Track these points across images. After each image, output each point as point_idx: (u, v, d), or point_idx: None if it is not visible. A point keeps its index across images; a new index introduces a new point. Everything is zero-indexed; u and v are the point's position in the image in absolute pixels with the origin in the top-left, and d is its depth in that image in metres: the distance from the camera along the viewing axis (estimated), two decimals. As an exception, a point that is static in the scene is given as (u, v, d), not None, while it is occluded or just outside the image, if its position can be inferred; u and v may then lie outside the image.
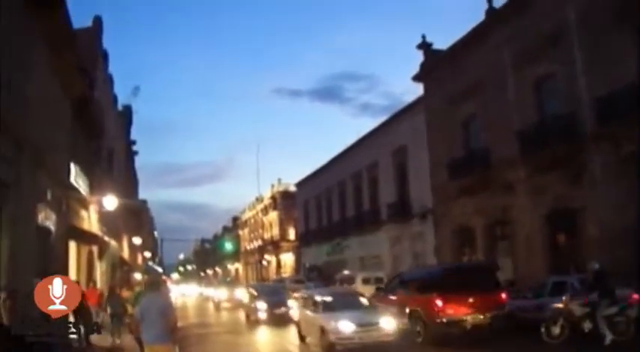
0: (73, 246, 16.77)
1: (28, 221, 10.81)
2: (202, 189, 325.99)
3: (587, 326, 11.57)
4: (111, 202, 19.54)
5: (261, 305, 20.85)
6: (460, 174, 23.28)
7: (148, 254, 67.35)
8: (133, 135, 43.04)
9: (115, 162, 28.46)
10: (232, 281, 48.36)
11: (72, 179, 16.18)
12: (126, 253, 35.23)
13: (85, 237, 17.50)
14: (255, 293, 22.49)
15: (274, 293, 22.73)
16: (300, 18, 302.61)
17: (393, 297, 16.32)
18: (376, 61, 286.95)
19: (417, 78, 27.88)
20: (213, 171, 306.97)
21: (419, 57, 27.35)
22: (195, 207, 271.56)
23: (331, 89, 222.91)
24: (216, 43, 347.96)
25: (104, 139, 24.15)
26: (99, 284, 20.61)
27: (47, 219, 12.67)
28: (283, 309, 20.46)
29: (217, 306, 32.58)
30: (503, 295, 14.48)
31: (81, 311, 14.55)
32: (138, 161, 51.10)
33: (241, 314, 24.53)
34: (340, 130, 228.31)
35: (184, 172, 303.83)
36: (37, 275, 11.91)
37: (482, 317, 13.56)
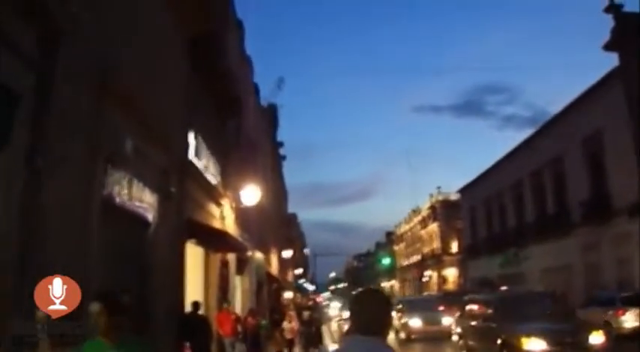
0: (196, 251, 11.68)
1: (69, 185, 5.54)
2: (350, 208, 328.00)
3: None
4: (252, 195, 14.38)
5: None
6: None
7: (299, 271, 63.51)
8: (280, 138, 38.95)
9: (259, 158, 23.79)
10: None
11: (191, 154, 11.17)
12: (274, 268, 30.54)
13: (215, 240, 12.30)
14: None
15: None
16: (430, 35, 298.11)
17: None
18: (513, 73, 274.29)
19: (609, 46, 23.64)
20: (361, 190, 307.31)
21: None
22: (344, 225, 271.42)
23: (472, 103, 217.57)
24: (352, 65, 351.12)
25: (243, 123, 19.43)
26: (238, 307, 15.58)
27: (134, 197, 7.46)
28: None
29: None
30: None
31: (207, 341, 9.79)
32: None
33: None
34: (487, 143, 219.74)
35: (331, 192, 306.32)
36: (98, 296, 6.82)
37: None
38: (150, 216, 8.20)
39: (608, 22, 23.82)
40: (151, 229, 8.31)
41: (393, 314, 23.87)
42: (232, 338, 12.49)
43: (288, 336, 14.30)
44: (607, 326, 16.75)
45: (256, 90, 27.80)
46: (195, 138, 11.45)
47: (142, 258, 8.02)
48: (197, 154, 11.53)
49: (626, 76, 22.43)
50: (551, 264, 29.38)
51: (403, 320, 22.12)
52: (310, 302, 21.50)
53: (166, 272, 8.85)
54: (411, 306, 23.43)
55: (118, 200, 6.88)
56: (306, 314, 15.10)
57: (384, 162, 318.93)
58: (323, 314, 25.73)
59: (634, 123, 21.85)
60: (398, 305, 24.41)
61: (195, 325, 10.01)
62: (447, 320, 20.48)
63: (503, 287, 25.15)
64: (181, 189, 10.06)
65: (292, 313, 16.25)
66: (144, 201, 7.90)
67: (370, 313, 2.89)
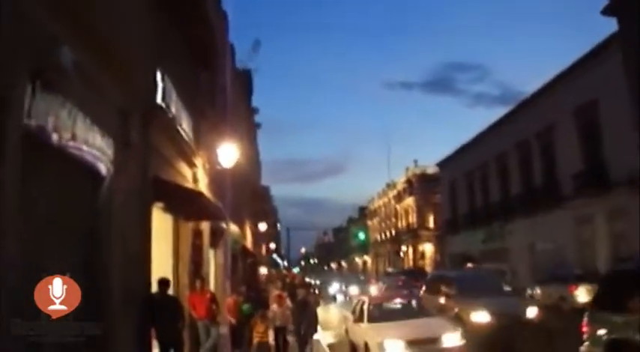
0: (164, 218, 9.68)
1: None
2: (320, 184, 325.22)
3: None
4: (229, 155, 12.34)
5: None
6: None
7: (273, 245, 61.86)
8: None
9: (235, 120, 21.62)
10: None
11: (159, 98, 9.07)
12: (249, 242, 28.63)
13: (188, 205, 10.30)
14: None
15: None
16: (403, 9, 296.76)
17: None
18: (484, 51, 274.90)
19: (607, 11, 22.36)
20: (330, 166, 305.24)
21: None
22: (314, 201, 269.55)
23: (442, 80, 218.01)
24: (323, 37, 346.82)
25: (219, 80, 17.29)
26: (212, 284, 13.66)
27: (79, 138, 5.42)
28: None
29: None
30: None
31: (178, 325, 8.54)
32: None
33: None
34: (459, 120, 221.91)
35: (300, 168, 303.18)
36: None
37: None
38: (102, 167, 6.18)
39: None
40: (105, 185, 6.29)
41: (441, 300, 15.50)
42: (207, 321, 10.60)
43: (278, 323, 11.52)
44: (562, 301, 18.83)
45: (232, 51, 25.47)
46: (163, 80, 9.34)
47: (92, 222, 6.03)
48: (165, 100, 9.43)
49: (626, 41, 21.33)
50: (539, 239, 28.45)
51: (461, 312, 13.92)
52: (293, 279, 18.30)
53: (126, 242, 6.86)
54: (467, 287, 15.22)
55: (54, 137, 4.83)
56: (301, 292, 12.22)
57: (354, 138, 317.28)
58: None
59: (633, 91, 20.63)
60: (434, 283, 17.60)
61: (163, 306, 8.13)
62: (533, 312, 13.82)
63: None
64: (146, 139, 8.03)
65: (283, 293, 13.63)
66: (93, 145, 5.85)
67: None
